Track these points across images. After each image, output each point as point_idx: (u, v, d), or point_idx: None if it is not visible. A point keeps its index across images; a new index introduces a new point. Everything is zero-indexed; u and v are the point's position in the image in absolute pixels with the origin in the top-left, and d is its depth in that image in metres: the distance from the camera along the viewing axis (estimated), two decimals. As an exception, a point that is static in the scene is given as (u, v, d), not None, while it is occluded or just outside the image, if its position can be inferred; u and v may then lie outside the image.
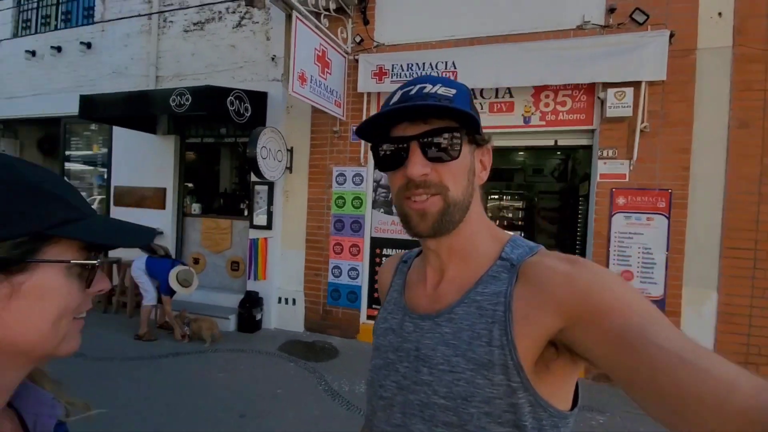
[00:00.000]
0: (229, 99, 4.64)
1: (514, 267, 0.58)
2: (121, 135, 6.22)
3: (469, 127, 0.58)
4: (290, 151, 5.35)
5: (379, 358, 0.66)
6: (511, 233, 0.65)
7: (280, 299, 5.51)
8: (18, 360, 0.44)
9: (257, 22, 5.48)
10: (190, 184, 6.60)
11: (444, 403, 0.54)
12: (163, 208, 6.18)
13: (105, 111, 4.99)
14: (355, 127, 0.63)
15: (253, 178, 5.28)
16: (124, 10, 6.22)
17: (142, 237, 0.52)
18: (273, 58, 5.29)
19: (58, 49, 6.67)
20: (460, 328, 0.57)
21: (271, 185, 5.42)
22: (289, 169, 5.39)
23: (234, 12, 5.60)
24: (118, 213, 6.51)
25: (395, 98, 0.59)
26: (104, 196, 6.71)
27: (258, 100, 5.20)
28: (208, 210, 6.43)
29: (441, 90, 0.58)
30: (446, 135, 0.57)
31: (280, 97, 5.26)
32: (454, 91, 0.58)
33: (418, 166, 0.57)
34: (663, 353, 0.42)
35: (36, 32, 7.05)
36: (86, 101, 4.96)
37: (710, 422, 0.37)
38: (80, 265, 0.46)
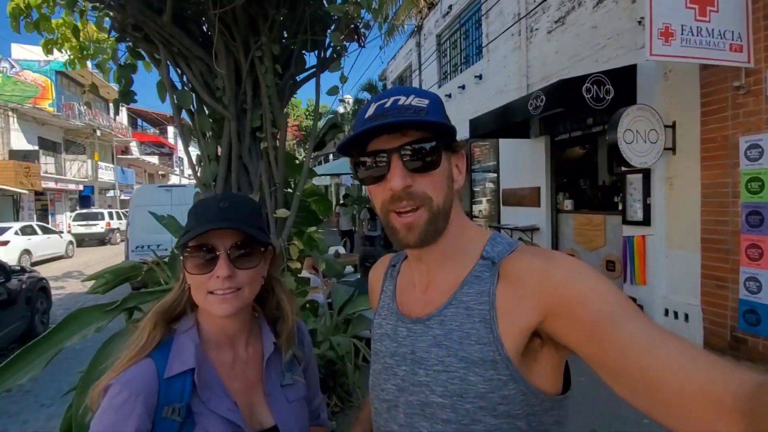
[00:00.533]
0: (584, 87, 4.35)
1: (495, 265, 0.59)
2: (504, 145, 7.23)
3: (444, 136, 0.60)
4: (671, 127, 4.27)
5: (378, 363, 0.69)
6: (489, 231, 0.66)
7: (666, 312, 4.50)
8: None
9: (620, -12, 4.77)
10: (566, 180, 6.66)
11: (441, 402, 0.57)
12: (538, 205, 6.60)
13: (485, 128, 6.01)
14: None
15: (623, 167, 4.63)
16: (501, 33, 7.20)
17: (192, 234, 0.72)
18: (640, 21, 4.42)
19: (463, 87, 8.66)
20: (450, 329, 0.59)
21: (646, 173, 4.55)
22: (671, 149, 4.31)
23: (593, -10, 5.16)
24: (505, 212, 7.61)
25: (370, 111, 0.60)
26: (495, 199, 8.02)
27: (623, 77, 4.52)
28: (580, 205, 6.24)
29: (415, 101, 0.59)
30: (426, 146, 0.58)
31: (652, 65, 4.32)
32: (427, 101, 0.59)
33: (399, 178, 0.57)
34: (631, 340, 0.46)
35: (450, 80, 9.48)
36: (473, 123, 6.17)
37: (675, 402, 0.43)
38: (189, 256, 0.73)
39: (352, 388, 2.34)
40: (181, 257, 0.74)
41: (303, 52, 2.47)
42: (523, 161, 6.76)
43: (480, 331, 0.56)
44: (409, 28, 12.28)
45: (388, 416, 0.65)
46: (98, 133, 22.48)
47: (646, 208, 4.60)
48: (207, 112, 2.26)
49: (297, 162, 2.76)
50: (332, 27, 2.45)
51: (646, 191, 4.59)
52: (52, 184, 19.22)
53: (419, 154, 0.58)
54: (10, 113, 17.75)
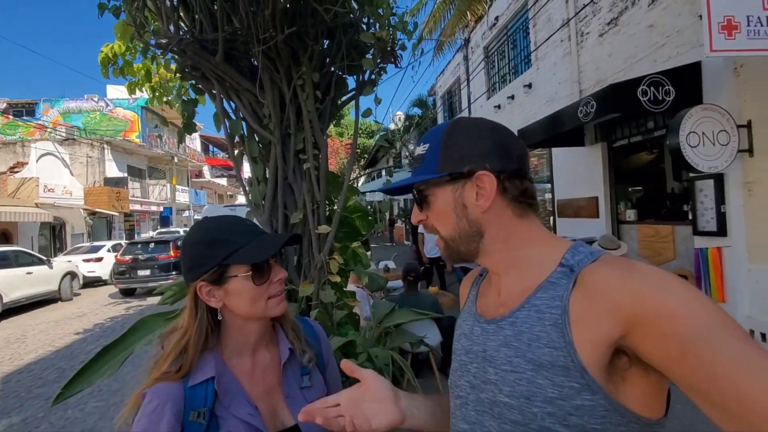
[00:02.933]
0: (640, 89, 4.09)
1: (573, 273, 0.58)
2: (557, 154, 6.94)
3: (439, 175, 0.65)
4: (745, 126, 3.87)
5: (455, 362, 0.72)
6: (572, 241, 0.65)
7: (752, 333, 3.99)
8: (249, 321, 0.86)
9: (677, -17, 4.47)
10: (633, 188, 6.21)
11: (509, 402, 0.57)
12: (597, 216, 6.21)
13: (534, 137, 5.83)
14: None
15: (692, 173, 4.26)
16: (550, 40, 7.00)
17: (270, 250, 0.82)
18: (702, 16, 4.10)
19: (512, 97, 8.48)
20: (520, 330, 0.59)
21: (718, 178, 4.13)
22: (748, 151, 3.89)
23: (648, -13, 4.88)
24: (561, 224, 7.24)
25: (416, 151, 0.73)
26: (551, 209, 7.67)
27: (685, 75, 4.20)
28: (644, 215, 5.78)
29: (420, 149, 0.69)
30: (415, 192, 0.70)
31: (719, 61, 3.97)
32: (427, 146, 0.68)
33: (413, 216, 0.72)
34: (726, 360, 0.43)
35: (498, 91, 9.34)
36: (521, 134, 6.02)
37: None
38: (247, 274, 0.81)
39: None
40: (231, 276, 0.81)
41: (343, 75, 2.63)
42: (579, 170, 6.43)
43: (551, 334, 0.55)
44: (457, 42, 12.34)
45: (459, 414, 0.67)
46: (176, 159, 24.94)
47: (721, 217, 4.16)
48: (256, 137, 2.48)
49: (341, 180, 2.90)
50: (370, 52, 2.59)
51: (720, 198, 4.16)
52: (137, 207, 21.60)
53: (419, 196, 0.69)
54: (105, 146, 20.33)
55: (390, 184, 0.78)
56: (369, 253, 3.94)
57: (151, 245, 10.94)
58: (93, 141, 20.17)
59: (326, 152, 2.58)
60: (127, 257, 10.57)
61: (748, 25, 2.91)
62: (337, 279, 2.33)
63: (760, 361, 0.42)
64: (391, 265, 7.10)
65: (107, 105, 22.57)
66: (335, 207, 2.61)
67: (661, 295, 0.49)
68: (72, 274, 10.71)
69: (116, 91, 22.48)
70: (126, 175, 21.23)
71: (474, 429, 0.63)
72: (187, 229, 17.94)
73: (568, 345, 0.53)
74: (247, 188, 2.55)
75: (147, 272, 10.39)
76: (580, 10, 6.10)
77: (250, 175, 2.62)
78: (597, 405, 0.52)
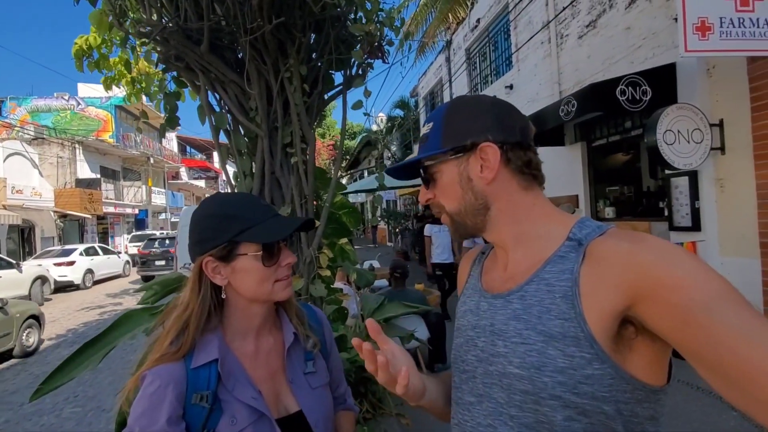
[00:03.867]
0: (618, 89, 4.22)
1: (582, 246, 0.59)
2: (539, 153, 7.06)
3: (443, 150, 0.67)
4: (718, 125, 4.03)
5: (460, 338, 0.71)
6: (579, 216, 0.65)
7: (725, 323, 4.16)
8: (253, 302, 0.83)
9: (652, -13, 4.64)
10: (610, 188, 6.38)
11: (519, 373, 0.58)
12: (577, 214, 6.36)
13: (517, 137, 5.91)
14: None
15: (668, 170, 4.40)
16: (530, 42, 7.14)
17: (283, 231, 0.80)
18: (677, 18, 4.25)
19: (494, 98, 8.61)
20: (530, 304, 0.60)
21: (692, 175, 4.29)
22: (720, 149, 4.06)
23: (625, -9, 5.04)
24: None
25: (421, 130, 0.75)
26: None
27: (661, 76, 4.35)
28: (623, 212, 5.95)
29: (425, 129, 0.71)
30: (422, 170, 0.71)
31: (692, 62, 4.13)
32: (431, 125, 0.70)
33: (421, 195, 0.73)
34: (728, 329, 0.44)
35: (480, 91, 9.46)
36: (504, 133, 6.10)
37: None
38: (258, 254, 0.79)
39: (383, 395, 2.35)
40: (240, 254, 0.78)
41: (330, 71, 2.61)
42: (559, 169, 6.57)
43: (561, 306, 0.56)
44: (439, 44, 12.45)
45: (466, 387, 0.67)
46: (152, 160, 24.26)
47: (695, 213, 4.32)
48: (242, 131, 2.43)
49: (328, 176, 2.87)
50: (357, 47, 2.57)
51: (694, 195, 4.32)
52: (111, 209, 20.89)
53: (425, 174, 0.71)
54: (76, 146, 19.60)
55: (394, 165, 0.78)
56: (353, 252, 3.92)
57: (166, 240, 13.40)
58: (63, 141, 19.41)
59: (314, 146, 2.55)
60: (147, 250, 13.24)
61: (721, 27, 3.03)
62: (327, 273, 2.30)
63: (760, 330, 0.43)
64: (376, 264, 7.08)
65: (79, 103, 21.78)
66: (322, 202, 2.59)
67: (668, 266, 0.50)
68: (42, 279, 10.29)
69: (88, 90, 21.72)
70: (99, 176, 20.51)
71: (481, 401, 0.63)
72: (164, 232, 17.55)
73: (578, 316, 0.54)
74: (233, 182, 2.49)
75: (162, 262, 12.75)
76: (559, 13, 6.25)
77: (235, 169, 2.56)
78: (605, 374, 0.53)
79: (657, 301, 0.50)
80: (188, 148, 35.00)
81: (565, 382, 0.54)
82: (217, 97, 2.42)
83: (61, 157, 19.15)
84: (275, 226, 0.81)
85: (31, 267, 10.40)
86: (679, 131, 3.88)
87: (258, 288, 0.80)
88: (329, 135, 29.68)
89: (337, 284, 3.34)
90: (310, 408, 0.83)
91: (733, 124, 3.93)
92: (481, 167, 0.65)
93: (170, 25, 2.07)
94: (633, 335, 0.54)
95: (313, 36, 2.48)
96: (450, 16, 10.56)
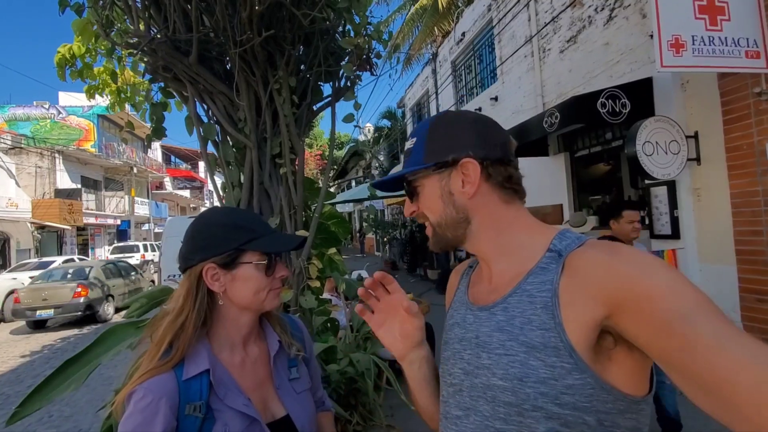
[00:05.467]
0: (599, 101, 4.35)
1: (561, 257, 0.60)
2: (523, 163, 7.16)
3: (426, 165, 0.69)
4: (693, 137, 4.19)
5: (447, 351, 0.72)
6: (559, 227, 0.68)
7: (705, 329, 4.26)
8: (245, 311, 0.85)
9: (629, 5, 4.83)
10: (593, 197, 6.52)
11: (502, 384, 0.59)
12: (561, 223, 6.47)
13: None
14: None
15: (647, 180, 4.54)
16: (514, 55, 7.33)
17: (288, 245, 0.88)
18: (652, 36, 4.43)
19: (479, 110, 8.75)
20: (512, 315, 0.61)
21: (671, 185, 4.44)
22: (696, 160, 4.21)
23: (603, 9, 5.23)
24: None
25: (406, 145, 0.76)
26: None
27: (639, 90, 4.50)
28: (606, 221, 6.08)
29: (408, 144, 0.73)
30: (405, 184, 0.74)
31: (668, 77, 4.30)
32: (414, 140, 0.72)
33: (406, 208, 0.76)
34: (702, 338, 0.45)
35: (466, 103, 9.62)
36: (490, 144, 6.21)
37: (746, 405, 0.41)
38: (261, 263, 0.83)
39: (373, 407, 2.34)
40: (244, 262, 0.82)
41: (319, 83, 2.63)
42: (544, 179, 6.71)
43: (542, 317, 0.57)
44: (425, 56, 12.66)
45: (453, 401, 0.67)
46: (135, 170, 23.84)
47: (674, 221, 4.45)
48: (230, 142, 2.43)
49: (317, 186, 2.88)
50: (346, 59, 2.61)
51: (673, 204, 4.46)
52: (92, 220, 20.38)
53: (409, 187, 0.73)
54: (56, 155, 19.15)
55: (379, 179, 0.82)
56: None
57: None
58: (43, 150, 18.94)
59: (303, 157, 2.56)
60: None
61: (693, 44, 3.17)
62: (317, 284, 2.29)
63: (734, 339, 0.44)
64: (365, 274, 7.07)
65: (59, 112, 21.34)
66: (311, 212, 2.59)
67: (644, 277, 0.51)
68: (17, 293, 9.91)
69: (69, 98, 21.32)
70: (80, 186, 20.04)
71: (468, 414, 0.64)
72: (147, 243, 17.25)
73: (557, 326, 0.55)
74: (221, 193, 2.48)
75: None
76: (541, 29, 6.44)
77: (223, 180, 2.55)
78: (585, 383, 0.54)
79: (634, 311, 0.51)
80: (173, 157, 34.53)
81: (547, 392, 0.55)
82: (205, 107, 2.42)
83: (39, 167, 18.68)
84: (279, 239, 0.88)
85: (4, 280, 10.03)
86: (657, 142, 4.02)
87: (254, 297, 0.83)
88: (316, 145, 29.69)
89: (326, 295, 3.32)
90: (297, 412, 0.86)
91: (708, 135, 4.09)
92: (463, 182, 0.67)
93: (158, 36, 2.07)
94: (611, 345, 0.55)
95: (302, 48, 2.51)
96: (436, 30, 10.78)
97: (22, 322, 9.07)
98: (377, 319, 0.76)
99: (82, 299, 8.35)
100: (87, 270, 9.15)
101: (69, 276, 8.88)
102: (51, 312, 8.24)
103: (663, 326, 0.48)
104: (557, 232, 0.65)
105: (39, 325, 8.67)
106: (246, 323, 0.86)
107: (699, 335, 0.45)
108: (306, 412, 0.88)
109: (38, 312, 8.15)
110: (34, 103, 21.50)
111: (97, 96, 3.49)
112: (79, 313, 8.44)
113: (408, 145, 0.73)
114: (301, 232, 2.35)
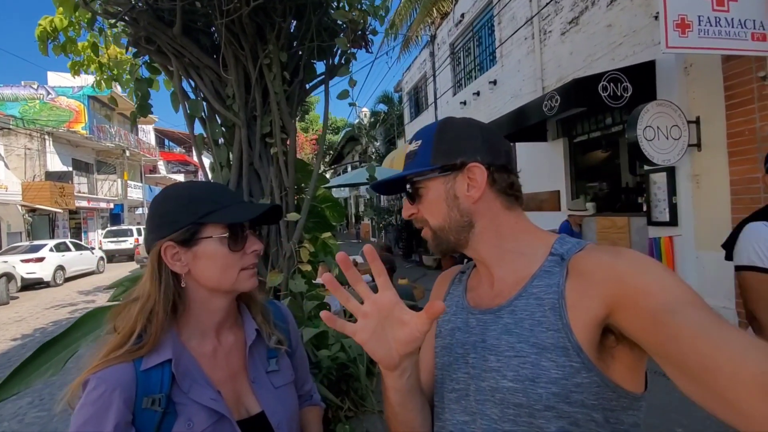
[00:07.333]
0: (600, 85, 4.25)
1: (564, 261, 0.62)
2: (521, 148, 7.12)
3: (432, 167, 0.69)
4: (695, 122, 4.12)
5: (446, 356, 0.71)
6: (557, 234, 0.70)
7: (699, 315, 4.27)
8: (215, 293, 0.77)
9: (633, -15, 4.69)
10: (590, 184, 6.47)
11: (512, 386, 0.59)
12: (559, 209, 6.43)
13: (499, 132, 5.93)
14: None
15: (647, 166, 4.48)
16: (514, 37, 7.16)
17: (252, 213, 0.76)
18: (656, 17, 4.31)
19: (477, 93, 8.62)
20: (521, 318, 0.62)
21: (670, 171, 4.38)
22: (696, 145, 4.14)
23: (606, -12, 5.09)
24: (524, 217, 7.44)
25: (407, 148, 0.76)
26: (515, 204, 7.88)
27: (641, 73, 4.41)
28: (603, 208, 6.05)
29: (412, 146, 0.73)
30: (408, 185, 0.72)
31: (671, 60, 4.20)
32: (419, 143, 0.72)
33: (404, 210, 0.75)
34: (689, 328, 0.48)
35: (464, 87, 9.47)
36: (488, 128, 6.11)
37: (727, 389, 0.43)
38: (223, 236, 0.74)
39: (365, 393, 2.31)
40: (204, 237, 0.73)
41: (312, 60, 2.52)
42: (542, 164, 6.63)
43: (550, 318, 0.59)
44: (423, 39, 12.40)
45: (457, 407, 0.66)
46: (127, 153, 23.48)
47: (672, 208, 4.41)
48: (219, 120, 2.32)
49: (310, 168, 2.79)
50: (340, 35, 2.49)
51: (672, 190, 4.41)
52: (84, 203, 20.13)
53: (412, 189, 0.72)
54: (46, 137, 18.78)
55: (377, 180, 0.81)
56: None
57: None
58: (32, 131, 18.55)
59: (295, 136, 2.46)
60: None
61: (699, 25, 3.07)
62: (308, 268, 2.23)
63: (720, 329, 0.46)
64: (359, 259, 7.02)
65: (48, 93, 20.84)
66: (304, 195, 2.51)
67: (640, 274, 0.54)
68: (8, 276, 9.82)
69: (59, 78, 20.81)
70: (71, 169, 19.72)
71: (475, 419, 0.63)
72: (141, 227, 17.29)
73: (565, 327, 0.57)
74: (209, 174, 2.39)
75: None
76: (542, 8, 6.28)
77: (212, 160, 2.46)
78: (592, 382, 0.56)
79: (630, 307, 0.53)
80: (166, 141, 34.05)
81: (558, 392, 0.56)
82: (192, 83, 2.31)
83: (29, 149, 18.32)
84: (242, 209, 0.78)
85: (-4, 263, 9.92)
86: (658, 127, 3.94)
87: (222, 276, 0.75)
88: (312, 129, 29.33)
89: (320, 280, 3.27)
90: (273, 409, 0.78)
91: (709, 121, 4.02)
92: (468, 186, 0.68)
93: (140, 4, 1.95)
94: (614, 344, 0.58)
95: (294, 22, 2.39)
96: (434, 11, 10.52)
97: (11, 306, 8.98)
98: (363, 328, 0.58)
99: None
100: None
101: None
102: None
103: (653, 318, 0.51)
104: (557, 238, 0.67)
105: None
106: (218, 308, 0.78)
107: (686, 325, 0.48)
108: (285, 409, 0.81)
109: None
110: (22, 83, 20.94)
111: (82, 73, 3.35)
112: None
113: (412, 147, 0.73)
114: (292, 215, 2.27)
